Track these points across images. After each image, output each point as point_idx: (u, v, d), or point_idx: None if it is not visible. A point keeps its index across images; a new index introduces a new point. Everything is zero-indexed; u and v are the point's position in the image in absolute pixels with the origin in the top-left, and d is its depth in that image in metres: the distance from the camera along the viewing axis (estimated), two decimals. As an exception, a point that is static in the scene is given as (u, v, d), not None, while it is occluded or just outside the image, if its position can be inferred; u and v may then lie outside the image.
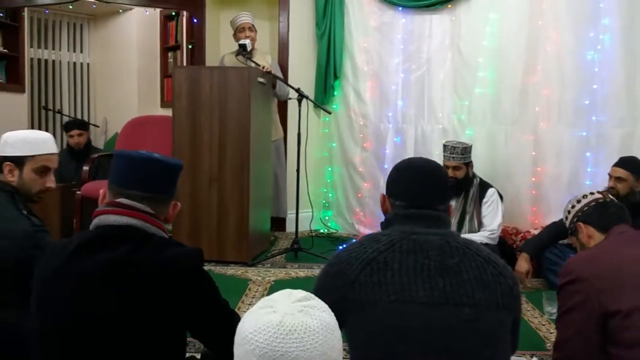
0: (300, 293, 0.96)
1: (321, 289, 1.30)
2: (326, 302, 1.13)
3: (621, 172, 3.27)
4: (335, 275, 1.29)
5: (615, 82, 3.93)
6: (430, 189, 1.42)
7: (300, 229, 4.04)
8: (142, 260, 1.29)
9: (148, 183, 1.39)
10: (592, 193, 1.94)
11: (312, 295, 0.97)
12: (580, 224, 1.88)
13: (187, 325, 1.37)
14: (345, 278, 1.26)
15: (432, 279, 1.23)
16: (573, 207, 1.94)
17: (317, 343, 0.87)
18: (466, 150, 3.64)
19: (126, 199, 1.37)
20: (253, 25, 4.26)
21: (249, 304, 2.99)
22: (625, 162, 3.32)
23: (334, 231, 4.92)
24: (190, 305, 1.32)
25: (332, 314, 0.95)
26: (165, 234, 1.42)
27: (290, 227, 4.61)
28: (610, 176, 3.32)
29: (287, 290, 0.97)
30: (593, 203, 1.89)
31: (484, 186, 3.70)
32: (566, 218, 1.98)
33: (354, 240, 1.51)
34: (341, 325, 1.20)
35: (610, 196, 1.94)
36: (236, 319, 1.36)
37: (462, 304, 1.22)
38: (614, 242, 1.74)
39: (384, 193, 1.48)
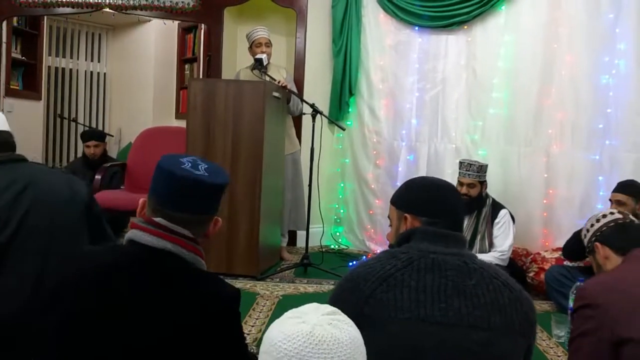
0: (328, 307, 0.97)
1: (336, 303, 1.26)
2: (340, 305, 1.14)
3: (620, 197, 3.31)
4: (351, 289, 1.28)
5: (629, 107, 3.94)
6: (455, 207, 1.43)
7: (310, 244, 4.04)
8: (177, 294, 1.23)
9: (189, 205, 1.29)
10: (612, 213, 1.91)
11: (338, 311, 0.98)
12: (598, 244, 1.85)
13: None
14: (361, 293, 1.25)
15: (448, 299, 1.22)
16: (592, 225, 1.91)
17: (344, 356, 0.88)
18: (482, 168, 3.65)
19: (163, 219, 1.27)
20: (269, 40, 4.29)
21: (256, 318, 2.99)
22: (624, 186, 3.36)
23: (344, 247, 4.91)
24: (220, 347, 1.25)
25: (359, 330, 0.95)
26: (202, 259, 1.32)
27: (300, 242, 4.60)
28: (611, 201, 3.34)
29: (315, 304, 0.98)
30: (612, 224, 1.85)
31: (497, 207, 3.69)
32: (584, 236, 1.96)
33: (364, 258, 1.50)
34: None
35: (632, 217, 1.90)
36: None
37: (477, 326, 1.21)
38: (632, 266, 1.70)
39: (409, 213, 1.42)
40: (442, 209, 1.40)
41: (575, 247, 3.34)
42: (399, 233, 1.43)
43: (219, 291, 1.28)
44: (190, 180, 1.27)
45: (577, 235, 3.38)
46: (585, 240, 1.94)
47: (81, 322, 1.21)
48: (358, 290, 1.26)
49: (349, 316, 1.02)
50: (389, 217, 1.53)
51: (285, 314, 0.96)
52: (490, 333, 1.21)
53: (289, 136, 4.33)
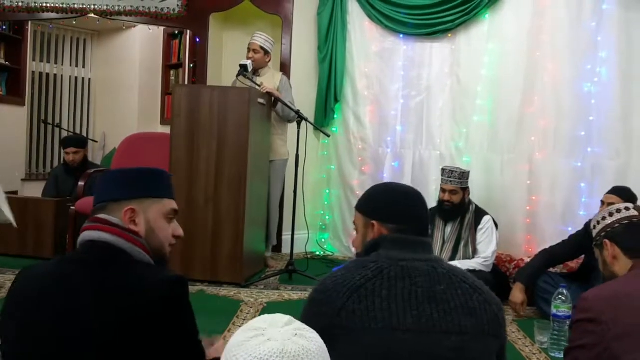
0: (283, 317, 0.94)
1: (308, 317, 1.26)
2: (315, 330, 1.13)
3: (615, 199, 3.30)
4: (322, 302, 1.26)
5: (611, 114, 3.99)
6: (424, 213, 1.42)
7: (295, 251, 4.03)
8: (115, 282, 1.25)
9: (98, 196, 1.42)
10: (627, 208, 1.73)
11: (293, 318, 0.96)
12: (607, 241, 1.71)
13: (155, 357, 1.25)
14: (333, 305, 1.23)
15: (420, 306, 1.22)
16: (604, 219, 1.75)
17: None
18: (464, 175, 3.67)
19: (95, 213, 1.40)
20: (262, 47, 4.26)
21: (240, 326, 2.97)
22: (618, 190, 3.38)
23: (330, 253, 4.91)
24: (165, 333, 1.24)
25: (330, 342, 0.95)
26: (142, 251, 1.35)
27: (285, 249, 4.60)
28: (603, 203, 3.35)
29: (267, 316, 0.95)
30: (626, 221, 1.70)
31: (480, 213, 3.71)
32: (594, 227, 1.80)
33: (334, 268, 1.48)
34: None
35: None
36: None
37: (449, 331, 1.21)
38: (638, 279, 1.59)
39: (375, 220, 1.41)
40: (409, 215, 1.39)
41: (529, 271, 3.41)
42: (365, 240, 1.42)
43: (159, 276, 1.29)
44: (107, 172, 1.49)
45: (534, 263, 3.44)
46: (594, 232, 1.79)
47: (26, 321, 1.25)
48: (330, 302, 1.24)
49: (322, 329, 1.01)
50: (354, 222, 1.51)
51: (241, 333, 0.90)
52: (462, 337, 1.22)
53: (272, 144, 4.29)
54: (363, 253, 1.39)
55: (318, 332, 0.97)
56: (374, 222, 1.41)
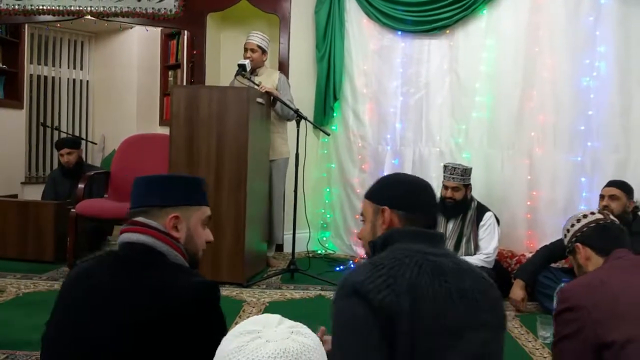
0: (273, 317, 0.93)
1: (359, 323, 1.16)
2: (369, 338, 1.12)
3: (615, 191, 3.34)
4: (388, 303, 1.15)
5: (610, 109, 3.98)
6: (431, 202, 1.42)
7: (297, 250, 4.03)
8: (147, 282, 1.31)
9: (136, 200, 1.47)
10: (592, 213, 1.86)
11: (282, 317, 0.95)
12: (579, 244, 1.81)
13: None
14: (398, 308, 1.15)
15: (455, 305, 1.21)
16: (572, 226, 1.87)
17: (319, 358, 0.88)
18: (466, 172, 3.67)
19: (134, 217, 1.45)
20: (259, 46, 4.26)
21: (244, 325, 2.96)
22: (617, 182, 3.41)
23: (331, 252, 4.91)
24: (192, 333, 1.26)
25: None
26: (177, 252, 1.41)
27: (287, 248, 4.59)
28: (603, 196, 3.37)
29: (255, 318, 0.94)
30: (593, 224, 1.81)
31: (482, 209, 3.71)
32: (565, 236, 1.91)
33: (351, 264, 1.45)
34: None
35: (612, 217, 1.86)
36: None
37: (478, 328, 1.23)
38: (613, 268, 1.69)
39: (387, 206, 1.37)
40: (420, 202, 1.39)
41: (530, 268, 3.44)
42: (375, 229, 1.39)
43: (193, 280, 1.33)
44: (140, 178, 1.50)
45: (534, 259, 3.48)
46: (566, 241, 1.90)
47: (62, 314, 1.35)
48: (397, 304, 1.15)
49: (377, 337, 1.03)
50: (361, 214, 1.48)
51: (234, 337, 0.88)
52: (488, 332, 1.24)
53: (272, 143, 4.29)
54: (379, 246, 1.33)
55: (379, 341, 1.01)
56: (384, 207, 1.38)
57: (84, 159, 5.42)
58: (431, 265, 1.23)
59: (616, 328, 1.47)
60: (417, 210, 1.37)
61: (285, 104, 4.07)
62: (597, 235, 1.78)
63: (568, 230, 1.89)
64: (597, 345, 1.49)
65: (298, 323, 0.94)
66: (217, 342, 1.24)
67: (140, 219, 1.42)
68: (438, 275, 1.22)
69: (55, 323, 1.36)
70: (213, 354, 1.20)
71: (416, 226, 1.35)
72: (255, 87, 3.95)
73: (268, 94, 4.02)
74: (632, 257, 1.72)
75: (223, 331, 1.29)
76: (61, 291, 1.40)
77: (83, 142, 5.75)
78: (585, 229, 1.81)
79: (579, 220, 1.85)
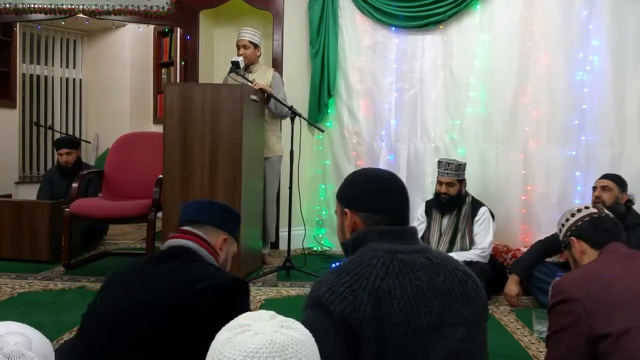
0: (267, 312, 0.95)
1: (319, 328, 1.13)
2: (327, 342, 1.10)
3: (607, 182, 3.37)
4: (348, 313, 1.15)
5: (604, 103, 3.98)
6: (402, 199, 1.37)
7: (292, 247, 4.03)
8: (185, 274, 1.51)
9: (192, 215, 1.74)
10: (587, 207, 1.88)
11: (276, 313, 0.95)
12: (574, 238, 1.82)
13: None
14: (359, 314, 1.14)
15: (428, 302, 1.20)
16: (567, 220, 1.88)
17: (309, 353, 0.88)
18: (460, 167, 3.68)
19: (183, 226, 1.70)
20: (251, 42, 4.24)
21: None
22: (610, 175, 3.46)
23: (327, 249, 4.90)
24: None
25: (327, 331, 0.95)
26: (216, 261, 1.65)
27: (282, 245, 4.59)
28: (595, 187, 3.40)
29: (250, 313, 0.95)
30: (587, 218, 1.82)
31: (476, 204, 3.72)
32: (560, 231, 1.92)
33: (333, 266, 1.42)
34: None
35: (606, 211, 1.87)
36: None
37: (456, 323, 1.21)
38: (607, 261, 1.69)
39: (348, 208, 1.37)
40: (381, 202, 1.34)
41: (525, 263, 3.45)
42: (343, 230, 1.39)
43: (228, 275, 1.56)
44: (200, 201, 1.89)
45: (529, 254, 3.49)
46: (561, 235, 1.92)
47: (107, 295, 1.58)
48: (357, 311, 1.15)
49: (344, 341, 1.01)
50: (335, 212, 1.47)
51: (225, 331, 0.90)
52: (467, 327, 1.22)
53: (266, 140, 4.28)
54: (350, 248, 1.33)
55: (339, 344, 0.97)
56: (346, 210, 1.38)
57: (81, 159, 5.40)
58: (400, 265, 1.22)
59: (611, 320, 1.47)
60: (377, 211, 1.33)
61: (279, 100, 4.06)
62: (591, 228, 1.79)
63: (563, 225, 1.90)
64: (592, 337, 1.49)
65: (291, 319, 0.94)
66: None
67: (189, 228, 1.66)
68: (408, 273, 1.21)
69: (99, 302, 1.55)
70: None
71: (382, 225, 1.31)
72: (249, 84, 3.94)
73: (262, 91, 4.01)
74: (626, 250, 1.73)
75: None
76: (107, 279, 1.61)
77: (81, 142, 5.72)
78: (579, 223, 1.83)
79: (573, 215, 1.87)
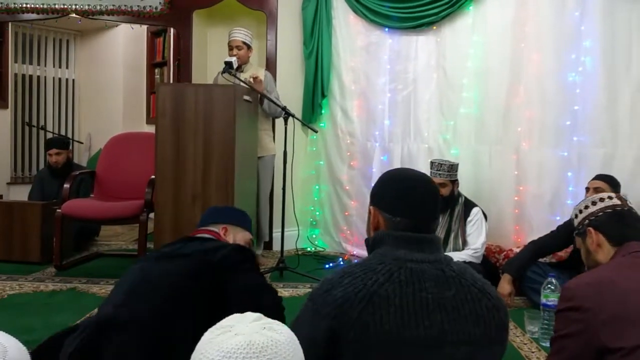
0: (253, 314, 0.95)
1: (313, 328, 1.18)
2: (316, 341, 1.10)
3: (600, 183, 3.39)
4: (333, 316, 1.16)
5: (596, 103, 3.99)
6: (429, 204, 1.31)
7: (286, 248, 4.02)
8: (208, 247, 1.99)
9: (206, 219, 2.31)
10: (610, 197, 1.73)
11: (263, 316, 0.96)
12: (592, 229, 1.69)
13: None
14: (347, 316, 1.14)
15: (431, 315, 1.16)
16: (587, 207, 1.74)
17: (289, 356, 0.88)
18: (452, 167, 3.68)
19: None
20: (244, 42, 4.24)
21: (232, 324, 2.95)
22: (602, 176, 3.49)
23: (321, 249, 4.90)
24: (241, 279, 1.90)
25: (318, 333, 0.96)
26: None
27: (276, 246, 4.58)
28: (588, 188, 3.41)
29: (236, 315, 0.95)
30: (609, 210, 1.69)
31: (469, 205, 3.72)
32: (576, 216, 1.79)
33: (342, 261, 1.42)
34: None
35: (629, 204, 1.74)
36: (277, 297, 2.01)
37: (459, 341, 1.17)
38: (624, 267, 1.58)
39: (373, 205, 1.35)
40: (405, 206, 1.29)
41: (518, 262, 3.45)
42: (369, 226, 1.37)
43: (234, 244, 2.06)
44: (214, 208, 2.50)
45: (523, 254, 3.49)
46: (576, 222, 1.79)
47: (143, 264, 1.99)
48: (342, 315, 1.15)
49: (331, 340, 1.00)
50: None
51: (210, 331, 0.92)
52: (471, 347, 1.18)
53: (259, 140, 4.28)
54: (369, 247, 1.32)
55: (324, 342, 0.95)
56: (371, 207, 1.36)
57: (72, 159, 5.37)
58: (408, 273, 1.19)
59: (624, 334, 1.39)
60: (399, 214, 1.28)
61: (272, 101, 4.05)
62: (612, 222, 1.67)
63: (580, 211, 1.77)
64: (600, 349, 1.42)
65: (276, 321, 0.94)
66: (253, 281, 1.94)
67: (200, 228, 2.22)
68: (414, 283, 1.18)
69: (134, 269, 1.92)
70: (247, 292, 1.87)
71: (402, 230, 1.27)
72: (243, 84, 3.93)
73: (256, 85, 3.98)
74: None
75: (261, 276, 2.07)
76: (142, 258, 2.19)
77: (71, 142, 5.70)
78: (600, 214, 1.70)
79: (594, 203, 1.74)
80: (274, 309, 1.87)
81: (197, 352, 0.89)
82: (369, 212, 1.37)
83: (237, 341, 0.86)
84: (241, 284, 1.87)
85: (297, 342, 0.92)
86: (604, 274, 1.57)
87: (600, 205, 1.72)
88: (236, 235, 2.22)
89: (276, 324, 0.93)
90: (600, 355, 1.42)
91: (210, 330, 0.92)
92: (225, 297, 1.81)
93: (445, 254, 2.97)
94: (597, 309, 1.44)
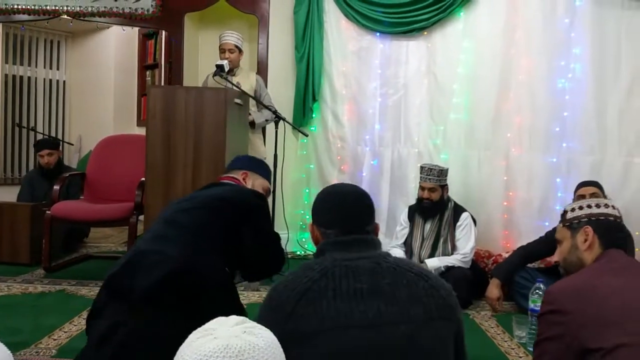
0: (236, 318, 0.96)
1: (262, 323, 1.28)
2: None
3: (595, 190, 3.39)
4: (274, 308, 1.28)
5: (585, 110, 4.04)
6: (355, 212, 1.45)
7: (275, 251, 4.01)
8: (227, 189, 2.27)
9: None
10: (614, 207, 1.77)
11: (247, 319, 0.97)
12: (590, 228, 1.71)
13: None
14: (283, 311, 1.25)
15: (366, 302, 1.24)
16: (589, 206, 1.76)
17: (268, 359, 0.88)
18: (442, 172, 3.70)
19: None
20: (236, 46, 4.25)
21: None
22: (593, 182, 3.49)
23: (310, 253, 4.90)
24: (253, 220, 2.15)
25: (272, 332, 0.97)
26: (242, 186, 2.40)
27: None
28: (584, 195, 3.37)
29: (221, 318, 0.96)
30: (612, 218, 1.73)
31: (458, 210, 3.74)
32: (572, 210, 1.79)
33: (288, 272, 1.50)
34: None
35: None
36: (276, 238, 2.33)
37: (398, 322, 1.23)
38: (604, 272, 1.62)
39: (312, 223, 1.50)
40: (334, 219, 1.43)
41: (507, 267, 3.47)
42: (313, 241, 1.51)
43: (246, 190, 2.33)
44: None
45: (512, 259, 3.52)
46: (572, 215, 1.79)
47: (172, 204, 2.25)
48: (280, 307, 1.26)
49: (276, 334, 1.01)
50: None
51: (193, 334, 0.93)
52: (411, 325, 1.24)
53: (251, 143, 4.28)
54: (315, 257, 1.43)
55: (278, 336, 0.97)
56: (310, 224, 1.51)
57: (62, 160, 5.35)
58: (342, 269, 1.29)
59: (603, 335, 1.43)
60: (331, 227, 1.43)
61: (263, 104, 4.07)
62: (612, 230, 1.72)
63: (581, 208, 1.78)
64: (580, 350, 1.46)
65: (260, 326, 0.95)
66: (267, 222, 2.27)
67: (224, 175, 2.45)
68: (348, 277, 1.28)
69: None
70: (262, 230, 2.18)
71: (343, 236, 1.40)
72: (234, 87, 3.93)
73: (244, 93, 4.00)
74: (624, 259, 1.68)
75: (269, 221, 2.34)
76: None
77: (61, 143, 5.67)
78: (602, 218, 1.73)
79: (598, 206, 1.76)
80: (278, 256, 2.35)
81: (178, 355, 0.89)
82: (310, 229, 1.51)
83: (215, 345, 0.86)
84: (253, 230, 2.10)
85: (279, 346, 0.93)
86: (585, 279, 1.62)
87: (605, 210, 1.75)
88: (255, 182, 2.44)
89: (258, 328, 0.93)
90: (582, 357, 1.45)
91: (193, 332, 0.93)
92: (239, 237, 2.07)
93: (434, 258, 3.00)
94: (577, 311, 1.48)
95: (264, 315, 1.30)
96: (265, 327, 1.10)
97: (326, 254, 1.37)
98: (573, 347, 1.47)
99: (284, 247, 4.49)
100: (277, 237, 2.34)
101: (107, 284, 1.95)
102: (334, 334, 1.21)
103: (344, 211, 1.44)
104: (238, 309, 2.01)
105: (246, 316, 1.03)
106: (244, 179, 2.39)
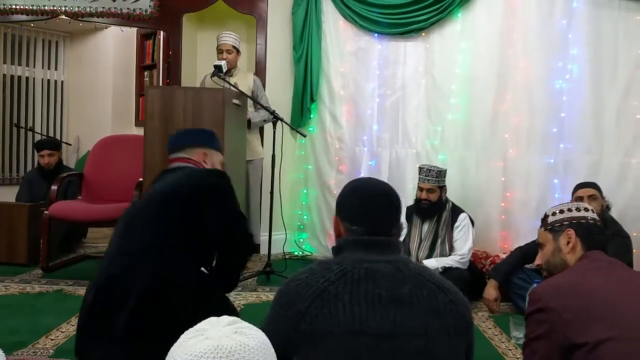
0: (228, 318, 0.96)
1: (273, 319, 1.27)
2: (278, 333, 1.12)
3: (594, 191, 3.39)
4: (286, 305, 1.25)
5: (582, 111, 4.04)
6: (384, 213, 1.39)
7: (273, 252, 4.03)
8: (187, 174, 2.14)
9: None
10: (593, 211, 1.82)
11: (239, 319, 0.97)
12: (572, 231, 1.76)
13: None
14: (296, 309, 1.22)
15: (383, 309, 1.21)
16: (569, 210, 1.81)
17: None
18: (441, 173, 3.70)
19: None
20: (234, 47, 4.26)
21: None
22: (591, 183, 3.49)
23: (308, 253, 4.90)
24: (215, 203, 2.04)
25: (293, 346, 0.96)
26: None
27: (263, 250, 4.58)
28: (582, 197, 3.37)
29: (213, 318, 0.96)
30: (592, 221, 1.78)
31: (456, 211, 3.75)
32: (554, 214, 1.84)
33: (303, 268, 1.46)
34: (291, 357, 1.19)
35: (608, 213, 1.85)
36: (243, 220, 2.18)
37: (413, 333, 1.20)
38: (586, 270, 1.68)
39: (336, 215, 1.43)
40: (363, 215, 1.37)
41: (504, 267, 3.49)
42: (335, 235, 1.45)
43: (209, 170, 2.24)
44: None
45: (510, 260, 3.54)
46: (553, 218, 1.83)
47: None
48: (293, 305, 1.23)
49: (286, 331, 1.01)
50: None
51: (184, 334, 0.93)
52: (427, 339, 1.21)
53: (249, 144, 4.29)
54: (334, 254, 1.38)
55: (283, 334, 0.96)
56: (334, 217, 1.43)
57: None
58: (362, 272, 1.25)
59: (588, 330, 1.46)
60: (356, 223, 1.36)
61: (261, 105, 4.07)
62: (594, 233, 1.76)
63: (562, 211, 1.83)
64: (567, 346, 1.49)
65: (252, 326, 0.95)
66: (231, 204, 2.09)
67: (174, 155, 2.23)
68: (367, 281, 1.23)
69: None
70: (228, 213, 2.06)
71: (367, 235, 1.34)
72: (232, 87, 3.94)
73: (242, 93, 4.00)
74: (605, 259, 1.72)
75: (234, 201, 2.12)
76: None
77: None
78: (583, 222, 1.77)
79: (578, 210, 1.81)
80: (246, 237, 2.19)
81: (169, 356, 0.89)
82: (334, 221, 1.45)
83: (206, 345, 0.87)
84: (217, 212, 2.02)
85: (270, 346, 0.93)
86: (568, 277, 1.66)
87: (585, 214, 1.79)
88: (213, 159, 2.29)
89: (250, 328, 0.93)
90: (569, 353, 1.48)
91: (185, 333, 0.93)
92: (205, 225, 1.99)
93: (432, 259, 3.01)
94: (562, 308, 1.51)
95: (276, 312, 1.27)
96: (276, 323, 1.10)
97: (345, 253, 1.33)
98: (559, 343, 1.49)
99: (282, 248, 4.53)
100: (243, 218, 2.20)
101: (82, 330, 1.90)
102: (346, 339, 1.18)
103: (373, 211, 1.37)
104: (224, 309, 1.88)
105: (236, 313, 1.03)
106: (204, 160, 2.23)
